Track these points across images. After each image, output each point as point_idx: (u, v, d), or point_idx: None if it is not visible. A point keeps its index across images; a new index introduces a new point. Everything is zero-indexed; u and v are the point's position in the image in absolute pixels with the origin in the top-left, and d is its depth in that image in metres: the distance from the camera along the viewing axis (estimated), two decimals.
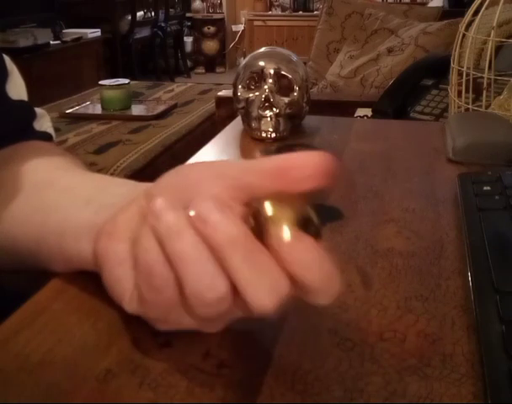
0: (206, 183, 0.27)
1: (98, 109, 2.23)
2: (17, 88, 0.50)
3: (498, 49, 1.07)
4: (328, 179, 0.25)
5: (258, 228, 0.26)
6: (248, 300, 0.24)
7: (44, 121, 0.51)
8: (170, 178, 0.30)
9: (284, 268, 0.25)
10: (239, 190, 0.26)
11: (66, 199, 0.37)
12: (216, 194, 0.26)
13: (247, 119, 0.66)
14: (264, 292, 0.24)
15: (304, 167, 0.25)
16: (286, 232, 0.25)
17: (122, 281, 0.28)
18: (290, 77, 0.65)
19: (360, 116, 1.29)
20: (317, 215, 0.26)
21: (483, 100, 0.79)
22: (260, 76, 0.65)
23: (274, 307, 0.24)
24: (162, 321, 0.28)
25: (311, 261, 0.25)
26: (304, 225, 0.25)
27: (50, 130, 0.52)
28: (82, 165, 0.45)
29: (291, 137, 0.66)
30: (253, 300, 0.24)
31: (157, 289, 0.26)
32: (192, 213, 0.25)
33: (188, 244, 0.25)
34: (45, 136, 0.50)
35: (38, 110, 0.51)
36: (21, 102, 0.50)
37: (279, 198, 0.26)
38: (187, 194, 0.27)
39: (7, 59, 0.50)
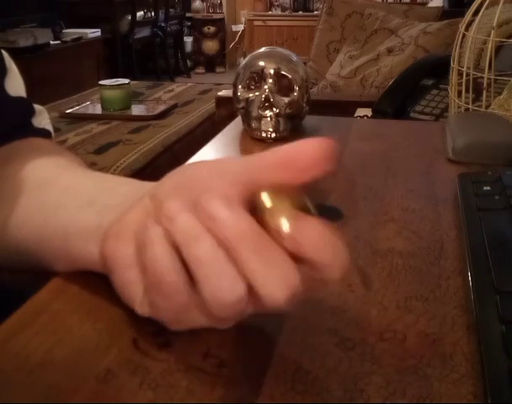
0: (211, 180, 0.27)
1: (98, 109, 2.23)
2: (15, 85, 0.49)
3: (498, 49, 1.07)
4: (330, 164, 0.25)
5: (258, 221, 0.26)
6: (261, 292, 0.25)
7: (42, 118, 0.51)
8: (175, 177, 0.30)
9: (292, 253, 0.25)
10: (243, 186, 0.26)
11: (68, 198, 0.36)
12: (222, 192, 0.26)
13: (247, 119, 0.66)
14: (276, 284, 0.24)
15: (306, 156, 0.25)
16: (288, 217, 0.25)
17: (132, 284, 0.28)
18: (290, 77, 0.65)
19: (360, 116, 1.29)
20: (314, 205, 0.26)
21: (483, 100, 0.79)
22: (260, 76, 0.65)
23: (286, 299, 0.24)
24: (175, 323, 0.28)
25: (318, 238, 0.25)
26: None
27: (49, 127, 0.51)
28: (83, 163, 0.44)
29: (291, 137, 0.66)
30: (266, 292, 0.24)
31: (168, 295, 0.26)
32: (200, 210, 0.25)
33: (206, 248, 0.25)
34: (44, 133, 0.50)
35: (36, 107, 0.51)
36: (20, 98, 0.50)
37: (276, 190, 0.26)
38: (193, 193, 0.27)
39: (5, 55, 0.50)
